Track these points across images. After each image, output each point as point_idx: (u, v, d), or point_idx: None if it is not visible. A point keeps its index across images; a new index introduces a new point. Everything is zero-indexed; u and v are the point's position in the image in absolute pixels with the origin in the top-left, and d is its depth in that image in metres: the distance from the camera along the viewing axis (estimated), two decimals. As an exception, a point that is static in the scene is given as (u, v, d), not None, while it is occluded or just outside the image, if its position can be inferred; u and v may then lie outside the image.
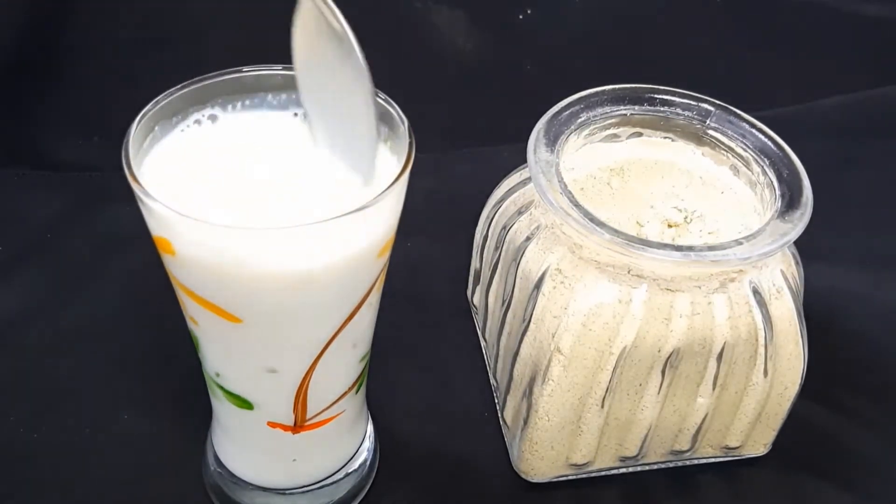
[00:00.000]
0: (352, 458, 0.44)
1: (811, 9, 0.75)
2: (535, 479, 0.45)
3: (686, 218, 0.44)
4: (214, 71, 0.36)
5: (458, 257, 0.56)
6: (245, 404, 0.38)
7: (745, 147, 0.45)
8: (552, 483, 0.46)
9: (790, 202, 0.41)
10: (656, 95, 0.46)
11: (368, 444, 0.45)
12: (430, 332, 0.54)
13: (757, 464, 0.47)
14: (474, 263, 0.52)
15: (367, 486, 0.45)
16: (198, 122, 0.36)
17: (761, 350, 0.41)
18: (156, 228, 0.32)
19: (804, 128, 0.70)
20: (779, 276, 0.42)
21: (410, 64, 0.70)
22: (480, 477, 0.46)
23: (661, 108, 0.46)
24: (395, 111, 0.35)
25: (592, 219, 0.39)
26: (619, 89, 0.46)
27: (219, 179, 0.34)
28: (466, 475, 0.46)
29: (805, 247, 0.44)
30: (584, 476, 0.46)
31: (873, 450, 0.49)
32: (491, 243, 0.48)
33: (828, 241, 0.59)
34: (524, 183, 0.46)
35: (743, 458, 0.47)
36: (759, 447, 0.47)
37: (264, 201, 0.33)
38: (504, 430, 0.48)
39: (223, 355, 0.37)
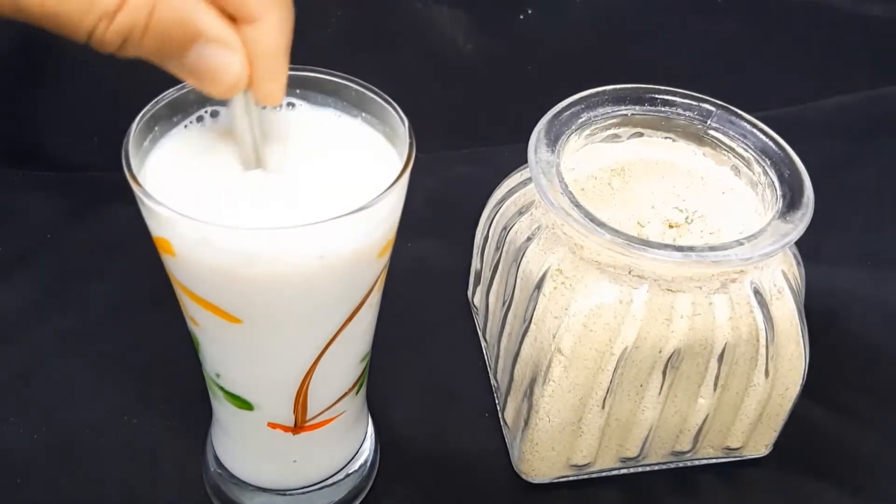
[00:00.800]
0: (352, 459, 0.44)
1: (811, 9, 0.75)
2: (536, 480, 0.45)
3: (687, 218, 0.44)
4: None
5: (459, 258, 0.56)
6: (245, 405, 0.38)
7: (746, 147, 0.44)
8: (553, 484, 0.45)
9: (791, 202, 0.41)
10: (657, 95, 0.46)
11: (369, 444, 0.45)
12: (430, 333, 0.54)
13: (758, 464, 0.47)
14: (475, 264, 0.52)
15: (368, 487, 0.45)
16: (198, 121, 0.36)
17: (762, 350, 0.41)
18: (156, 229, 0.32)
19: (805, 128, 0.70)
20: (780, 277, 0.42)
21: (411, 64, 0.70)
22: (481, 477, 0.46)
23: (662, 109, 0.46)
24: (396, 111, 0.35)
25: (593, 219, 0.39)
26: (619, 89, 0.46)
27: (218, 180, 0.34)
28: (467, 476, 0.46)
29: (806, 247, 0.44)
30: (584, 477, 0.46)
31: (874, 450, 0.48)
32: (491, 244, 0.48)
33: (829, 242, 0.59)
34: (525, 183, 0.46)
35: (744, 458, 0.47)
36: (760, 448, 0.46)
37: (264, 202, 0.33)
38: (504, 431, 0.48)
39: (223, 356, 0.37)
